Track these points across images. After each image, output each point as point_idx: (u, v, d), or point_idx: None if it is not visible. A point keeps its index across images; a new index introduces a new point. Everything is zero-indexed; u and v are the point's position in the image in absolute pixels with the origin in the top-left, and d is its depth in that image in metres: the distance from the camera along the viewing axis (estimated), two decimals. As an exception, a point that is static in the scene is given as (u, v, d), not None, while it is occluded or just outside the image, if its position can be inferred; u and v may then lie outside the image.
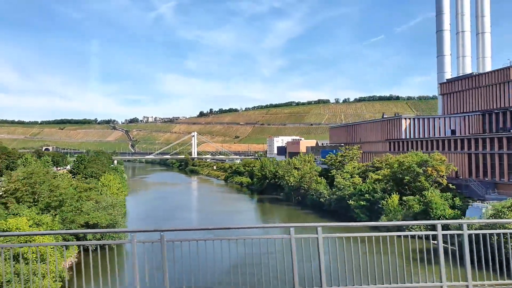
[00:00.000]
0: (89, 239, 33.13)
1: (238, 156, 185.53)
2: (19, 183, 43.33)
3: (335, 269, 6.30)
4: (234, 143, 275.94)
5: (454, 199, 52.82)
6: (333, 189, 69.76)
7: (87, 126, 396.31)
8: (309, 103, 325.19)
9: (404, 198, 55.14)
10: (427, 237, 6.88)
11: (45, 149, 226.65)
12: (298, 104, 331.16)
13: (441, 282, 6.38)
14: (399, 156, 62.94)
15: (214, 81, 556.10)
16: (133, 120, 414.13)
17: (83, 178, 68.13)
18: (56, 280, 29.69)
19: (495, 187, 55.77)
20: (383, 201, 56.73)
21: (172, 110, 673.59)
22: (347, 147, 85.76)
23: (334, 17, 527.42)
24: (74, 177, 72.79)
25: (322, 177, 77.93)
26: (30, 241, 29.76)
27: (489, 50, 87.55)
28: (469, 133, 70.10)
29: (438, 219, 48.71)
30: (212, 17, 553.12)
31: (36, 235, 31.74)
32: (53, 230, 36.81)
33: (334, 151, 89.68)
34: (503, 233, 7.68)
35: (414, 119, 78.30)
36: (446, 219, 49.20)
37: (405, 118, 78.51)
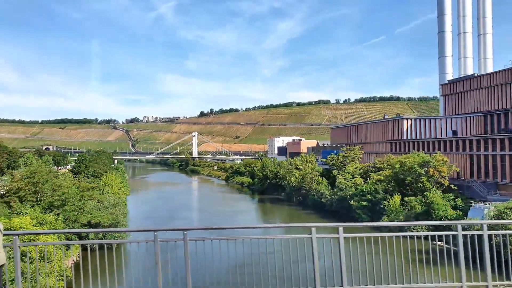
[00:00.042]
0: (93, 238, 33.13)
1: (238, 156, 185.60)
2: (22, 182, 43.43)
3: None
4: (235, 143, 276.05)
5: (456, 200, 52.90)
6: (335, 190, 69.83)
7: (87, 126, 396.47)
8: (310, 103, 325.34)
9: (406, 198, 55.22)
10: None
11: (46, 149, 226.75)
12: (298, 104, 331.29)
13: (461, 282, 6.41)
14: (401, 156, 63.04)
15: (214, 81, 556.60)
16: (134, 120, 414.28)
17: (85, 178, 68.19)
18: (59, 279, 29.77)
19: (496, 188, 55.85)
20: (384, 201, 56.80)
21: (172, 110, 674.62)
22: (348, 147, 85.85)
23: (334, 17, 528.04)
24: (75, 177, 72.90)
25: (323, 178, 78.02)
26: (34, 240, 29.88)
27: (491, 51, 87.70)
28: (470, 134, 70.20)
29: (440, 219, 48.76)
30: (213, 17, 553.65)
31: (40, 234, 31.82)
32: (57, 229, 36.94)
33: (335, 151, 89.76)
34: None
35: (415, 120, 78.41)
36: (447, 220, 49.29)
37: (407, 119, 78.63)
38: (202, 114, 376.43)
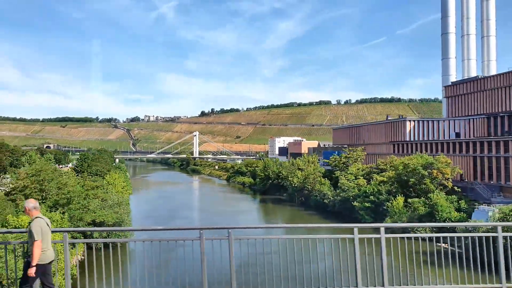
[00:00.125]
0: (97, 237, 33.17)
1: (239, 157, 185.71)
2: (27, 180, 43.48)
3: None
4: (235, 143, 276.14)
5: (460, 202, 52.98)
6: (337, 191, 69.89)
7: (88, 125, 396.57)
8: (311, 104, 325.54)
9: (409, 200, 55.29)
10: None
11: (46, 147, 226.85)
12: (299, 105, 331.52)
13: (501, 284, 6.44)
14: (404, 158, 63.09)
15: (215, 81, 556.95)
16: (135, 119, 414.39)
17: (89, 176, 68.28)
18: (65, 278, 29.83)
19: (500, 190, 55.91)
20: (388, 203, 56.86)
21: (173, 110, 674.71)
22: (350, 148, 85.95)
23: (335, 17, 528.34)
24: (78, 175, 72.95)
25: (325, 178, 78.10)
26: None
27: (494, 53, 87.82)
28: (473, 136, 70.28)
29: (444, 221, 48.83)
30: (213, 17, 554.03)
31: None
32: (63, 227, 37.06)
33: (336, 152, 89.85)
34: None
35: (418, 121, 78.52)
36: (453, 221, 49.26)
37: (410, 120, 78.74)
38: (203, 113, 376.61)
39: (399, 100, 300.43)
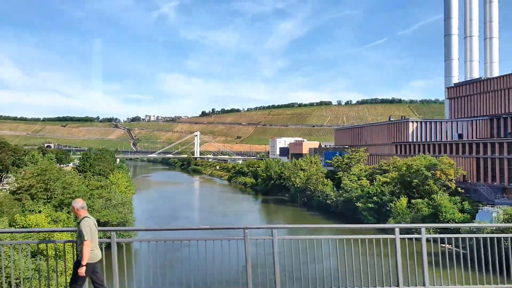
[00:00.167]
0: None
1: (240, 157, 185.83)
2: (33, 179, 43.55)
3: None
4: (236, 143, 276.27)
5: (463, 203, 53.13)
6: (340, 191, 69.99)
7: (89, 124, 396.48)
8: (311, 104, 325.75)
9: (413, 201, 55.42)
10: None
11: (47, 146, 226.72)
12: (300, 105, 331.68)
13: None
14: (407, 159, 63.24)
15: (215, 81, 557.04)
16: (135, 119, 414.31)
17: (94, 176, 68.36)
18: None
19: (503, 191, 56.08)
20: (391, 203, 57.00)
21: (173, 110, 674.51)
22: (353, 149, 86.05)
23: (337, 18, 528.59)
24: (80, 175, 72.99)
25: (328, 179, 78.21)
26: (49, 238, 30.04)
27: (497, 55, 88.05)
28: (476, 138, 70.44)
29: (448, 222, 48.98)
30: (214, 17, 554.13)
31: (55, 231, 31.91)
32: (70, 227, 37.13)
33: (338, 153, 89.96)
34: None
35: (421, 122, 78.66)
36: (456, 222, 49.40)
37: (412, 122, 78.89)
38: (203, 113, 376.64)
39: (400, 101, 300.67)
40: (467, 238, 7.13)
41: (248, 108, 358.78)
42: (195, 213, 77.07)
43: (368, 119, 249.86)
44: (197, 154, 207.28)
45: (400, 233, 6.60)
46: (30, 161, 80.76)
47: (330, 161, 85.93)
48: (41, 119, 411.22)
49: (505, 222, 37.75)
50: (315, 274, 6.48)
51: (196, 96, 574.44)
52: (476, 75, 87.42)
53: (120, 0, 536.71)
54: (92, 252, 6.39)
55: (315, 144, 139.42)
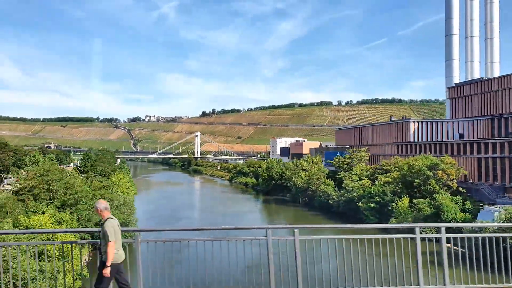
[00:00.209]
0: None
1: (241, 157, 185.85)
2: (35, 180, 43.55)
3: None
4: (237, 143, 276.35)
5: (465, 202, 53.21)
6: (342, 191, 70.07)
7: (89, 124, 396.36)
8: (312, 104, 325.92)
9: (415, 201, 55.50)
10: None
11: (47, 147, 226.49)
12: (300, 105, 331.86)
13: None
14: (409, 159, 63.32)
15: (215, 81, 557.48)
16: (135, 119, 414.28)
17: (96, 176, 68.40)
18: (76, 279, 29.90)
19: (504, 191, 56.19)
20: (393, 203, 57.07)
21: (174, 110, 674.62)
22: (354, 149, 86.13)
23: (337, 19, 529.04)
24: (82, 176, 72.92)
25: (329, 179, 78.30)
26: (53, 239, 29.99)
27: (498, 55, 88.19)
28: (477, 137, 70.57)
29: (450, 222, 49.07)
30: (214, 18, 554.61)
31: (58, 232, 31.79)
32: (72, 228, 37.14)
33: (338, 153, 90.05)
34: None
35: (422, 122, 78.77)
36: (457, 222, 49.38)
37: (413, 122, 79.00)
38: (204, 114, 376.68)
39: (400, 101, 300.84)
40: (480, 238, 7.17)
41: (248, 108, 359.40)
42: (198, 213, 77.09)
43: (368, 119, 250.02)
44: (197, 155, 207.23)
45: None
46: (31, 162, 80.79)
47: (331, 161, 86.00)
48: (41, 119, 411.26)
49: (507, 222, 37.83)
50: (337, 273, 6.52)
51: (196, 96, 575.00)
52: (476, 75, 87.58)
53: (120, 0, 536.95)
54: (116, 253, 6.42)
55: (315, 144, 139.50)
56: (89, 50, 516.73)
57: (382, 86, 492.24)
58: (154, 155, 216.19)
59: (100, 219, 6.80)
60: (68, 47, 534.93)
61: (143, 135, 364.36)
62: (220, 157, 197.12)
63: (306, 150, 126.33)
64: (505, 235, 7.23)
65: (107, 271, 6.34)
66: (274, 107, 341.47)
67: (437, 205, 52.17)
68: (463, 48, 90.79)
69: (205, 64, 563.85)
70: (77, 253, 29.89)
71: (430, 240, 7.33)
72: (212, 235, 6.70)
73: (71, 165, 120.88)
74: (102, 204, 6.76)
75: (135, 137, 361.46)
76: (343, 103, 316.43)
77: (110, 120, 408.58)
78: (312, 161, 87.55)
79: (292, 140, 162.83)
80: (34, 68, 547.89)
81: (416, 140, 76.64)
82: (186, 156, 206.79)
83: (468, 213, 50.91)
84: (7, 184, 80.00)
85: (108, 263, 6.33)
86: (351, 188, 67.40)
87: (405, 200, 55.95)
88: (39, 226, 31.03)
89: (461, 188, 55.89)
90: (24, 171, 70.71)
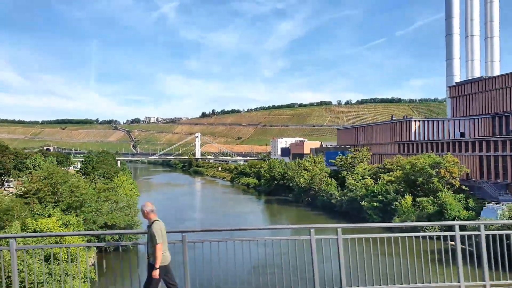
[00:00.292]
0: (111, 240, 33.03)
1: (241, 158, 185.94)
2: (40, 183, 43.55)
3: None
4: (237, 144, 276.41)
5: (468, 200, 53.48)
6: (344, 191, 70.27)
7: (88, 126, 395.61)
8: (311, 104, 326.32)
9: (418, 199, 55.73)
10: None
11: (46, 149, 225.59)
12: (300, 105, 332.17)
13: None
14: (411, 158, 63.58)
15: (215, 81, 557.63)
16: (135, 121, 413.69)
17: (100, 178, 68.40)
18: (84, 281, 29.90)
19: (506, 188, 56.51)
20: (396, 202, 57.30)
21: (173, 111, 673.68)
22: (356, 148, 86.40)
23: (336, 19, 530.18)
24: (84, 178, 72.78)
25: (332, 179, 78.52)
26: (61, 242, 29.94)
27: (498, 54, 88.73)
28: (478, 136, 70.94)
29: (453, 220, 49.33)
30: (214, 18, 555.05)
31: (67, 235, 31.80)
32: (79, 230, 37.14)
33: (339, 152, 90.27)
34: None
35: (423, 121, 79.11)
36: (463, 220, 49.77)
37: (415, 121, 79.33)
38: (203, 115, 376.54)
39: (399, 100, 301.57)
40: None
41: (248, 109, 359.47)
42: (202, 214, 77.10)
43: (368, 118, 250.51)
44: (198, 156, 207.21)
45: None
46: (32, 165, 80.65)
47: (333, 161, 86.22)
48: (40, 121, 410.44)
49: (511, 219, 38.09)
50: (379, 271, 6.63)
51: (196, 97, 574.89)
52: (477, 74, 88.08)
53: (119, 0, 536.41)
54: (163, 254, 6.50)
55: (316, 144, 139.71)
56: (88, 52, 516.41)
57: (382, 85, 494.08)
58: (154, 157, 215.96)
59: (147, 222, 6.82)
60: (67, 49, 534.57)
61: (142, 136, 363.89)
62: (221, 158, 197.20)
63: (306, 150, 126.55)
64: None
65: (156, 273, 6.36)
66: (274, 107, 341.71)
67: (441, 203, 52.42)
68: (463, 47, 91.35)
69: (205, 64, 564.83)
70: (84, 256, 29.95)
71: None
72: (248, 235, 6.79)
73: (72, 167, 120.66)
74: (149, 206, 6.78)
75: (134, 138, 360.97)
76: (343, 103, 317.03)
77: (109, 122, 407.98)
78: (314, 161, 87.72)
79: (292, 140, 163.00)
80: (32, 70, 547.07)
81: (417, 139, 76.96)
82: (187, 157, 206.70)
83: (471, 211, 51.17)
84: (8, 188, 79.92)
85: (157, 265, 6.36)
86: (354, 188, 67.59)
87: (409, 198, 56.17)
88: (47, 229, 31.06)
89: (463, 186, 56.18)
90: (25, 174, 70.70)
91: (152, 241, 6.54)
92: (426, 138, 76.44)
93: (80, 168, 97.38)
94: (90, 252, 37.35)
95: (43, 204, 42.18)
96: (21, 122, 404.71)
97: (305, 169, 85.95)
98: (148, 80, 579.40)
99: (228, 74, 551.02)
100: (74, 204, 44.53)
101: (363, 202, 62.20)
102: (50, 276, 26.95)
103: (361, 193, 65.02)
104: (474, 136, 71.23)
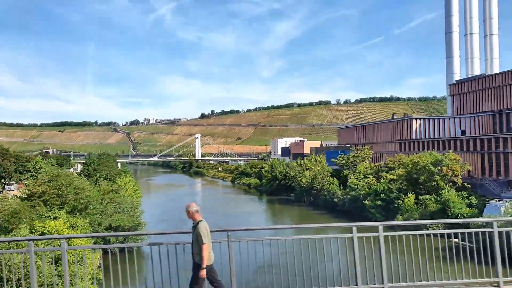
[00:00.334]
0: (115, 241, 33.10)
1: (242, 158, 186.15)
2: (45, 185, 43.55)
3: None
4: (236, 144, 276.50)
5: (470, 198, 53.80)
6: (347, 190, 70.50)
7: (87, 129, 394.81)
8: (311, 104, 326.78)
9: (420, 197, 56.02)
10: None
11: (45, 152, 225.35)
12: (299, 105, 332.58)
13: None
14: (413, 156, 63.90)
15: (214, 82, 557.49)
16: (134, 122, 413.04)
17: (103, 180, 68.44)
18: (92, 283, 29.99)
19: (508, 185, 56.88)
20: (399, 200, 57.57)
21: (173, 112, 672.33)
22: (357, 147, 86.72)
23: (333, 18, 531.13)
24: (86, 180, 72.62)
25: (333, 178, 78.76)
26: (70, 244, 30.06)
27: (497, 52, 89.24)
28: (479, 133, 71.34)
29: (457, 217, 49.59)
30: (212, 19, 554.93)
31: (74, 237, 31.81)
32: (86, 233, 37.22)
33: (339, 151, 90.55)
34: None
35: (424, 119, 79.48)
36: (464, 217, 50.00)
37: (416, 119, 79.69)
38: (203, 115, 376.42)
39: (398, 99, 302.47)
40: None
41: (247, 109, 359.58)
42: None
43: (367, 117, 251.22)
44: (198, 156, 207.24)
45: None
46: (34, 168, 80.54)
47: (335, 160, 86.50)
48: (38, 124, 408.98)
49: (515, 216, 38.37)
50: (419, 268, 6.70)
51: (195, 98, 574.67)
52: (477, 72, 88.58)
53: (116, 2, 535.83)
54: (209, 254, 6.61)
55: (316, 144, 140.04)
56: (86, 54, 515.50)
57: (380, 84, 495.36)
58: (154, 158, 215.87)
59: (193, 223, 6.89)
60: (65, 52, 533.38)
61: (142, 138, 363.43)
62: (221, 158, 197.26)
63: (307, 150, 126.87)
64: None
65: (203, 273, 6.43)
66: (273, 107, 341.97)
67: (443, 201, 52.72)
68: (463, 45, 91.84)
69: (204, 65, 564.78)
70: (91, 257, 30.06)
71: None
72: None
73: (72, 169, 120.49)
74: (194, 207, 6.85)
75: (134, 140, 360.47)
76: (342, 102, 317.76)
77: (108, 124, 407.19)
78: (316, 160, 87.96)
79: (292, 140, 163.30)
80: (30, 73, 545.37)
81: (418, 137, 77.33)
82: (187, 158, 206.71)
83: (474, 208, 51.49)
84: (10, 191, 79.78)
85: (204, 265, 6.42)
86: (356, 186, 67.83)
87: (411, 197, 56.45)
88: (55, 231, 31.18)
89: (465, 184, 56.50)
90: (27, 177, 70.58)
91: (198, 241, 6.60)
92: (427, 136, 76.80)
93: (81, 170, 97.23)
94: (96, 254, 37.54)
95: (48, 206, 42.21)
96: (19, 125, 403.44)
97: (307, 169, 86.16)
98: (147, 82, 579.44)
99: (226, 75, 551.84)
100: (79, 206, 44.56)
101: (366, 200, 62.45)
102: (59, 278, 27.10)
103: (363, 192, 65.25)
104: (475, 134, 71.62)
